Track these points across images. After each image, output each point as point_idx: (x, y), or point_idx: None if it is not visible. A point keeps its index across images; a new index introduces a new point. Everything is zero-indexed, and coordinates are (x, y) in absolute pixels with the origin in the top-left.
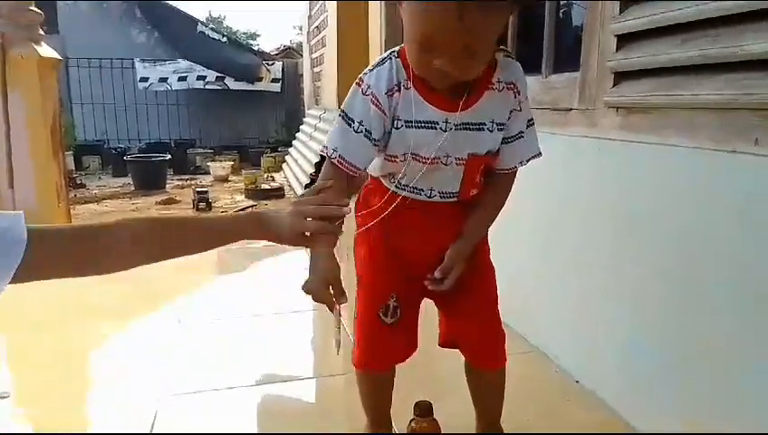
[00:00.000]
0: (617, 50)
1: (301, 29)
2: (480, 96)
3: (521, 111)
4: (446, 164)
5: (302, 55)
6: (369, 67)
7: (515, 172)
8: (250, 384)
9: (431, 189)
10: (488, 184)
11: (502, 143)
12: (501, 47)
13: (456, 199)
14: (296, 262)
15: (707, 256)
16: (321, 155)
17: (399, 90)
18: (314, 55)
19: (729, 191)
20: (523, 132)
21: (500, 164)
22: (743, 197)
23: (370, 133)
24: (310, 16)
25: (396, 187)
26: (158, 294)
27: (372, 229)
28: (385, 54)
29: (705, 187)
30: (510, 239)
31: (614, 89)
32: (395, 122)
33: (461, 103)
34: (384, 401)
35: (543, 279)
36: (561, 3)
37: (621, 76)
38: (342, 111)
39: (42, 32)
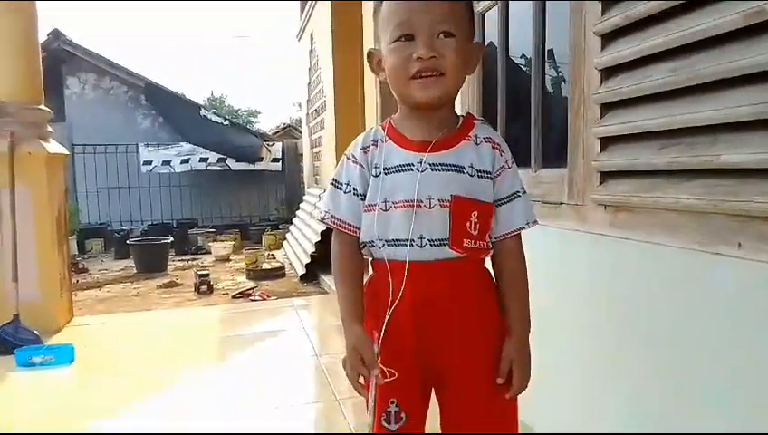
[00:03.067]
0: (601, 151)
1: (300, 106)
2: (457, 144)
3: (510, 168)
4: (429, 207)
5: (301, 132)
6: None
7: (520, 238)
8: None
9: (421, 237)
10: (499, 262)
11: (500, 204)
12: (480, 117)
13: (447, 247)
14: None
15: (697, 353)
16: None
17: (376, 145)
18: (313, 137)
19: (717, 292)
20: (519, 193)
21: (504, 226)
22: (729, 298)
23: (356, 190)
24: (309, 100)
25: (384, 244)
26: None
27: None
28: None
29: (692, 286)
30: None
31: (600, 187)
32: (373, 170)
33: (434, 142)
34: None
35: (539, 367)
36: (547, 98)
37: (607, 175)
38: (333, 179)
39: (50, 129)
